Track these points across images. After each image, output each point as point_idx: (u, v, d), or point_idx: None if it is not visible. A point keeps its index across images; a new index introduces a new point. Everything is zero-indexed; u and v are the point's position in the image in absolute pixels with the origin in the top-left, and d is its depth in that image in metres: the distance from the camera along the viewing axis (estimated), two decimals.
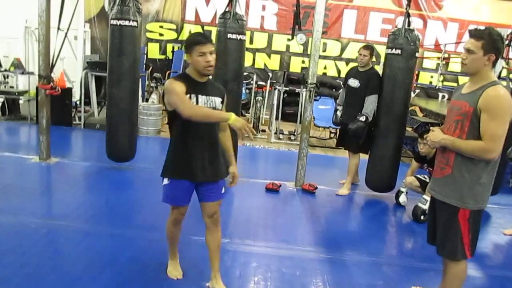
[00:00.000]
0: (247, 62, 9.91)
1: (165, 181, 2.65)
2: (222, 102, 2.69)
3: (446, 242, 2.55)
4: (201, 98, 2.57)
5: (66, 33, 5.17)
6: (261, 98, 8.14)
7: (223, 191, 2.75)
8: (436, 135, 2.53)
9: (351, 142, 5.01)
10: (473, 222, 2.48)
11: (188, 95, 2.51)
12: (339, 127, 5.50)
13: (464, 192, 2.44)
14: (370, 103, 4.76)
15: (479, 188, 2.43)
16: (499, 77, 5.40)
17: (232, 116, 2.40)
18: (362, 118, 4.73)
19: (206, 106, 2.58)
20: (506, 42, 5.49)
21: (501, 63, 5.68)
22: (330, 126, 7.63)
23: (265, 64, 10.49)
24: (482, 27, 2.41)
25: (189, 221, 2.97)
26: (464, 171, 2.43)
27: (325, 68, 10.48)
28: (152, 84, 8.48)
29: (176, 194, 2.66)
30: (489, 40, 2.33)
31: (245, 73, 8.03)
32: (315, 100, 5.19)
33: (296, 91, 8.40)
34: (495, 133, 2.31)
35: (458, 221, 2.47)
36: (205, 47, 2.50)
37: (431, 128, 2.67)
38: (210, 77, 2.72)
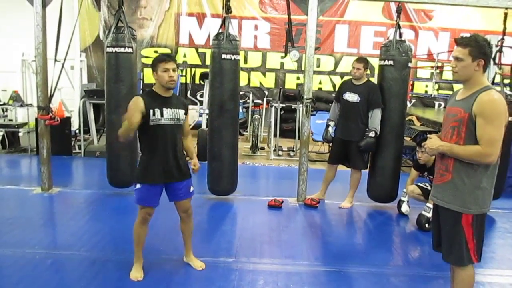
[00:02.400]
0: (243, 81, 9.98)
1: (138, 185, 3.07)
2: (185, 113, 3.15)
3: (451, 248, 2.55)
4: (166, 111, 3.01)
5: (63, 64, 5.23)
6: (259, 116, 8.19)
7: (191, 190, 3.23)
8: (433, 142, 2.56)
9: (357, 159, 4.93)
10: (477, 227, 2.49)
11: (152, 110, 2.95)
12: (331, 143, 5.31)
13: (465, 197, 2.46)
14: (376, 117, 4.76)
15: (480, 192, 2.45)
16: (492, 82, 5.45)
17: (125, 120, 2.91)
18: (372, 134, 4.73)
19: (171, 117, 3.02)
20: (497, 48, 5.53)
21: (494, 69, 5.73)
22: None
23: (260, 83, 10.58)
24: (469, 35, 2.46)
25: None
26: (464, 176, 2.45)
27: (320, 83, 10.57)
28: None
29: (147, 196, 3.07)
30: (475, 46, 2.38)
31: (241, 93, 8.11)
32: (312, 115, 5.21)
33: (293, 107, 8.45)
34: (492, 137, 2.34)
35: (461, 227, 2.48)
36: (168, 64, 2.95)
37: (428, 136, 2.70)
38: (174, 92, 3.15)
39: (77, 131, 7.80)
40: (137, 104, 2.94)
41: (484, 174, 2.43)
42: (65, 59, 5.27)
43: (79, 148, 7.42)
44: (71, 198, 5.12)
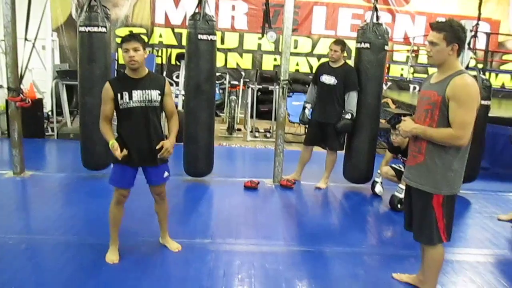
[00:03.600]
0: (219, 63, 9.91)
1: (112, 166, 3.09)
2: (160, 94, 3.02)
3: (422, 227, 2.63)
4: (136, 93, 2.93)
5: (33, 43, 5.08)
6: (235, 98, 8.14)
7: (165, 175, 3.18)
8: (407, 124, 2.61)
9: (334, 140, 5.00)
10: (447, 207, 2.56)
11: (119, 94, 2.91)
12: (308, 125, 5.39)
13: (437, 178, 2.52)
14: (353, 100, 4.79)
15: (451, 174, 2.52)
16: (467, 67, 5.54)
17: (110, 142, 2.88)
18: (348, 116, 4.78)
19: (142, 99, 2.95)
20: (472, 33, 5.60)
21: (468, 54, 5.81)
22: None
23: (237, 64, 10.51)
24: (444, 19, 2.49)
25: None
26: (436, 158, 2.52)
27: (297, 64, 10.58)
28: None
29: (120, 177, 3.05)
30: (450, 31, 2.41)
31: (217, 74, 8.04)
32: (288, 96, 5.22)
33: (270, 89, 8.44)
34: (464, 121, 2.39)
35: (432, 207, 2.55)
36: (127, 44, 2.85)
37: (402, 118, 2.75)
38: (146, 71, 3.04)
39: (49, 113, 7.63)
40: (106, 92, 2.95)
41: (456, 157, 2.50)
42: (35, 39, 5.11)
43: (52, 131, 7.26)
44: (44, 181, 5.02)
